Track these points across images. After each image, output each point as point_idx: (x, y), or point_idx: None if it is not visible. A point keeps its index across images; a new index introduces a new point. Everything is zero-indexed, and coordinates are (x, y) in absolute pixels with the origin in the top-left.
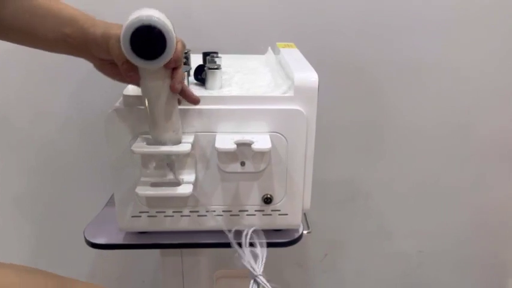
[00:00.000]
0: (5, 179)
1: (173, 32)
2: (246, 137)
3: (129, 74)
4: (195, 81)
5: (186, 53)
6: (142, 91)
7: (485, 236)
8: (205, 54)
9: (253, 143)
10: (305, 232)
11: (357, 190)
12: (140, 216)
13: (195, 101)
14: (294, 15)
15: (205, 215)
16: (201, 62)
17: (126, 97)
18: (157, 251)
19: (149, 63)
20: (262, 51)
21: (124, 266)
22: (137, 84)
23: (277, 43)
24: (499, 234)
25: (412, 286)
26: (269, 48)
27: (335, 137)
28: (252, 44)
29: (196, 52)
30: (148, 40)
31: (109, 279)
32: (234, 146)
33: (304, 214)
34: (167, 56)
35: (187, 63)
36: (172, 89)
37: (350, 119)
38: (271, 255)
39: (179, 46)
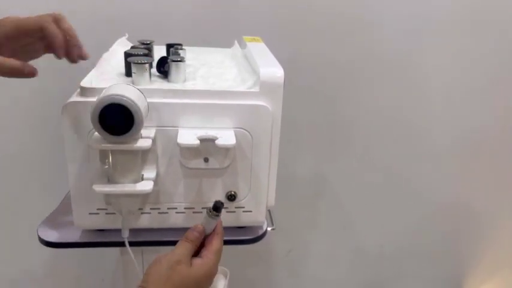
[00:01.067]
0: None
1: (142, 112)
2: (209, 133)
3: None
4: (158, 74)
5: (148, 44)
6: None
7: (445, 231)
8: (169, 46)
9: (217, 138)
10: (269, 229)
11: (321, 186)
12: (98, 214)
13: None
14: (261, 9)
15: (167, 212)
16: (164, 54)
17: (84, 89)
18: (116, 249)
19: (115, 138)
20: (228, 45)
21: (81, 264)
22: None
23: (243, 37)
24: (459, 230)
25: (374, 280)
26: (235, 41)
27: (299, 133)
28: (217, 37)
29: (159, 44)
30: (116, 117)
31: (66, 278)
32: (197, 142)
33: (269, 211)
34: (133, 133)
35: (149, 54)
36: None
37: (315, 114)
38: (235, 252)
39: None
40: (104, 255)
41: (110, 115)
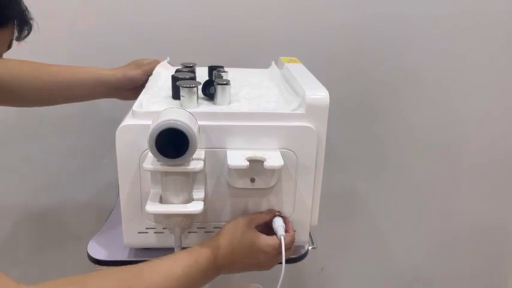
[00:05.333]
0: (4, 183)
1: (196, 135)
2: (257, 154)
3: None
4: (203, 96)
5: (191, 66)
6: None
7: (482, 252)
8: (211, 68)
9: (265, 160)
10: (310, 248)
11: (354, 204)
12: (147, 233)
13: None
14: (295, 30)
15: (213, 231)
16: (204, 76)
17: (136, 113)
18: None
19: (171, 161)
20: (259, 65)
21: None
22: None
23: (281, 57)
24: (496, 251)
25: None
26: (273, 62)
27: (333, 150)
28: (249, 57)
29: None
30: (171, 141)
31: None
32: (247, 163)
33: None
34: (188, 156)
35: (194, 78)
36: None
37: (349, 133)
38: None
39: None
40: None
41: (165, 139)
